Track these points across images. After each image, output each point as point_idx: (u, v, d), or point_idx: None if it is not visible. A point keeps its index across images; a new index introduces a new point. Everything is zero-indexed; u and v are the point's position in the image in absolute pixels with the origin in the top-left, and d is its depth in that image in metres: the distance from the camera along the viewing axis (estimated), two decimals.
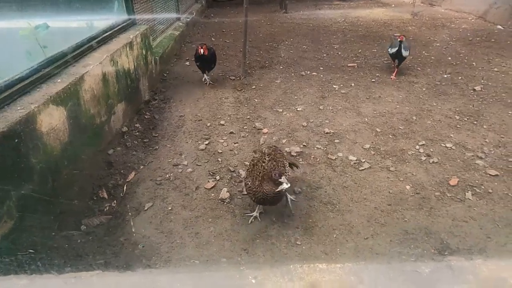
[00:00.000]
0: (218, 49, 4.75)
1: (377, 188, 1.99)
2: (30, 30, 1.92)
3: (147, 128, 2.67)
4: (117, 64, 2.47)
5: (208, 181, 2.05)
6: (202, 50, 3.13)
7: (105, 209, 1.89)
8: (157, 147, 2.43)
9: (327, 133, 2.58)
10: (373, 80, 3.59)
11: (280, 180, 1.48)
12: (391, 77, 3.50)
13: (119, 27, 2.85)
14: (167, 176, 2.11)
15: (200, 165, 2.21)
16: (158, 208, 1.85)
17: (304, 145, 2.43)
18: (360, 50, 4.60)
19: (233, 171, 2.15)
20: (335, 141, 2.48)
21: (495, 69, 3.87)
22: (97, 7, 2.92)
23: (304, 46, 4.84)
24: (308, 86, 3.46)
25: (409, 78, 3.64)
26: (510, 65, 4.00)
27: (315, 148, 2.39)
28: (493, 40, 5.01)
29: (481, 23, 6.11)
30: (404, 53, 3.27)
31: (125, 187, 2.03)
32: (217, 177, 2.08)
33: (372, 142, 2.46)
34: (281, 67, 4.01)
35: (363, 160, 2.24)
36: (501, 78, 3.62)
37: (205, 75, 3.48)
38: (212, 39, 5.28)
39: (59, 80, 1.84)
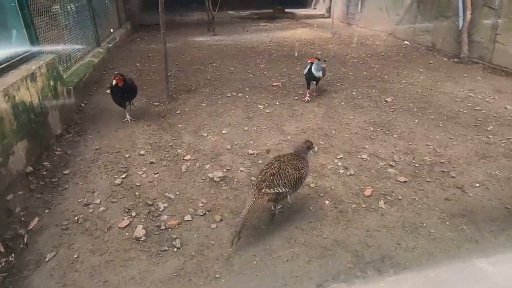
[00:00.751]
0: (143, 74, 4.62)
1: (299, 206, 2.00)
2: None
3: (57, 166, 2.43)
4: (14, 99, 2.23)
5: (123, 219, 1.90)
6: (115, 81, 2.88)
7: (0, 266, 1.64)
8: (67, 186, 2.21)
9: (251, 154, 2.58)
10: (296, 97, 3.72)
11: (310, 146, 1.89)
12: (304, 99, 3.61)
13: (19, 57, 2.61)
14: (76, 218, 1.92)
15: (115, 202, 2.05)
16: (62, 258, 1.66)
17: (227, 169, 2.39)
18: (284, 69, 4.77)
19: (152, 204, 2.02)
20: (259, 162, 2.48)
21: (403, 81, 4.25)
22: None
23: (231, 68, 4.90)
24: (234, 108, 3.47)
25: (329, 94, 3.84)
26: (416, 77, 4.43)
27: (239, 171, 2.37)
28: (401, 54, 5.54)
29: (391, 39, 6.75)
30: (316, 73, 3.41)
31: (25, 237, 1.79)
32: (133, 214, 1.94)
33: None
34: (208, 90, 3.99)
35: None
36: (408, 89, 3.98)
37: (126, 111, 3.15)
38: (137, 64, 5.11)
39: None
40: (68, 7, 4.16)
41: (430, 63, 5.03)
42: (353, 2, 8.50)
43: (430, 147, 2.66)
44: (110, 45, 5.34)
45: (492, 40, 4.77)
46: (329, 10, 9.28)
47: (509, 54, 4.50)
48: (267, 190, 1.67)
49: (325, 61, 4.16)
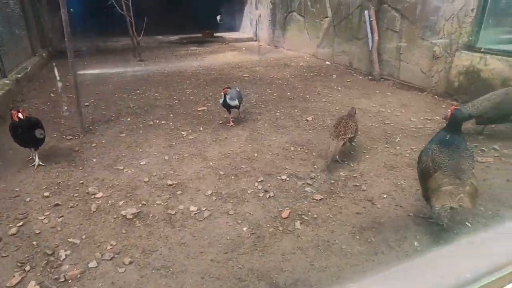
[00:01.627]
0: (58, 105, 4.29)
1: (216, 237, 1.94)
2: None
3: None
4: None
5: (14, 276, 1.67)
6: (18, 115, 2.55)
7: None
8: None
9: (170, 185, 2.48)
10: (220, 122, 3.72)
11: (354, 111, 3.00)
12: (228, 124, 3.62)
13: None
14: None
15: (7, 256, 1.80)
16: None
17: (143, 204, 2.25)
18: (211, 93, 4.77)
19: (51, 254, 1.81)
20: (177, 192, 2.38)
21: (323, 100, 4.49)
22: None
23: (156, 94, 4.77)
24: (156, 136, 3.35)
25: (254, 116, 3.90)
26: (335, 95, 4.71)
27: (155, 205, 2.25)
28: (322, 74, 5.89)
29: (314, 60, 7.17)
30: (232, 103, 3.42)
31: None
32: (27, 267, 1.72)
33: (215, 187, 2.45)
34: (129, 119, 3.82)
35: (203, 209, 2.19)
36: (327, 107, 4.21)
37: (32, 153, 2.78)
38: (52, 95, 4.74)
39: None
40: None
41: (347, 81, 5.41)
42: (278, 26, 8.93)
43: (345, 162, 2.80)
44: (19, 76, 4.89)
45: (397, 58, 5.29)
46: (256, 33, 9.62)
47: (412, 71, 5.03)
48: (342, 136, 2.64)
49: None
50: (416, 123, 3.63)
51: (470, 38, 4.25)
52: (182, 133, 3.42)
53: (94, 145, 3.15)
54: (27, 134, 2.61)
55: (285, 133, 3.43)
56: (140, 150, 3.06)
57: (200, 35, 10.09)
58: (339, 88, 5.02)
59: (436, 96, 4.57)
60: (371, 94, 4.67)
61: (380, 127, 3.55)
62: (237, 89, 3.73)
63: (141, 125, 3.63)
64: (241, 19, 11.26)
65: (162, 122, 3.73)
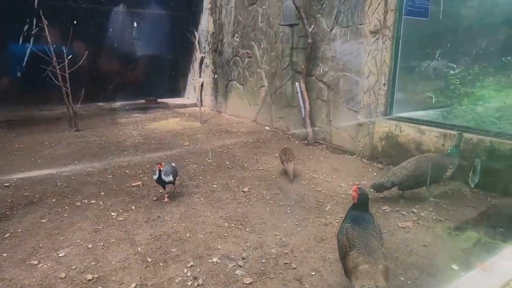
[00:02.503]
0: None
1: None
2: None
3: None
4: None
5: None
6: None
7: None
8: None
9: (89, 280, 2.28)
10: (155, 198, 3.62)
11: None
12: (163, 200, 3.55)
13: None
14: None
15: None
16: None
17: None
18: (148, 166, 4.68)
19: None
20: None
21: (261, 168, 4.63)
22: None
23: (89, 169, 4.57)
24: (82, 220, 3.14)
25: (190, 189, 3.87)
26: (272, 162, 4.88)
27: None
28: (261, 140, 6.13)
29: (254, 125, 7.49)
30: (166, 178, 3.40)
31: None
32: None
33: (141, 278, 2.31)
34: (54, 200, 3.57)
35: None
36: (264, 175, 4.32)
37: None
38: None
39: None
40: None
41: (284, 146, 5.66)
42: (220, 92, 9.33)
43: (278, 237, 2.83)
44: None
45: (328, 124, 5.73)
46: (200, 99, 9.92)
47: (341, 136, 5.45)
48: (292, 159, 3.97)
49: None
50: (345, 189, 3.84)
51: (386, 108, 4.79)
52: (112, 213, 3.26)
53: (7, 235, 2.85)
54: None
55: (221, 207, 3.42)
56: (62, 238, 2.83)
57: (144, 101, 10.13)
58: (276, 155, 5.21)
59: (364, 160, 4.94)
60: (306, 160, 4.92)
61: (312, 195, 3.70)
62: (172, 164, 3.73)
63: (67, 207, 3.40)
64: (185, 85, 11.62)
65: (92, 201, 3.53)
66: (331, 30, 5.42)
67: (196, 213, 3.29)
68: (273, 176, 4.27)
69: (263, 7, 7.04)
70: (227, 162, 4.86)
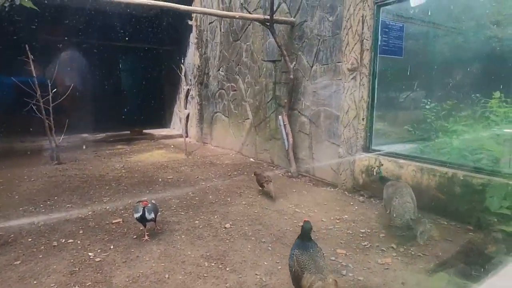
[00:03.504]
0: None
1: None
2: None
3: None
4: None
5: None
6: None
7: None
8: None
9: None
10: (135, 237, 3.56)
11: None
12: (143, 238, 3.49)
13: None
14: None
15: None
16: None
17: None
18: (130, 201, 4.62)
19: None
20: None
21: (244, 202, 4.63)
22: None
23: (69, 205, 4.48)
24: (58, 261, 3.05)
25: (171, 226, 3.82)
26: (255, 195, 4.90)
27: None
28: (245, 173, 6.16)
29: (239, 157, 7.53)
30: (149, 216, 3.36)
31: None
32: None
33: None
34: (30, 240, 3.47)
35: None
36: (247, 210, 4.32)
37: None
38: None
39: None
40: None
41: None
42: (205, 124, 9.43)
43: (258, 276, 2.80)
44: None
45: (311, 157, 5.83)
46: (185, 130, 9.98)
47: (324, 169, 5.53)
48: (270, 180, 4.67)
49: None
50: (327, 224, 3.87)
51: (365, 142, 4.93)
52: (90, 254, 3.18)
53: None
54: None
55: (202, 245, 3.38)
56: (35, 281, 2.73)
57: (129, 132, 10.12)
58: (259, 188, 5.25)
59: (346, 192, 5.00)
60: (289, 193, 4.95)
61: (294, 230, 3.71)
62: (153, 201, 3.70)
63: (42, 247, 3.31)
64: (171, 116, 11.71)
65: (69, 241, 3.45)
66: (312, 66, 5.65)
67: (176, 251, 3.24)
68: (255, 211, 4.27)
69: (247, 43, 7.31)
70: (211, 197, 4.85)
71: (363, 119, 4.86)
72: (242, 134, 7.74)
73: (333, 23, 5.18)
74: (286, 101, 6.11)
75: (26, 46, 6.26)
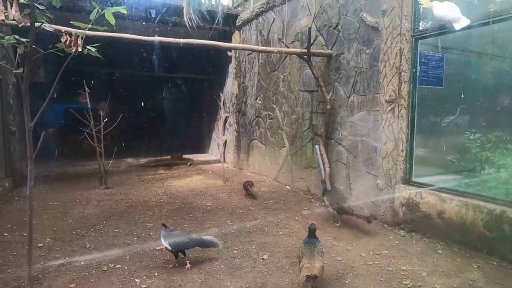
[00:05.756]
0: (9, 248, 4.15)
1: None
2: None
3: None
4: None
5: None
6: None
7: None
8: None
9: None
10: (177, 264, 3.72)
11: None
12: (185, 267, 3.63)
13: None
14: None
15: None
16: None
17: None
18: (171, 227, 4.82)
19: None
20: None
21: (281, 233, 4.67)
22: None
23: (116, 230, 4.77)
24: (107, 285, 3.27)
25: (212, 255, 3.95)
26: (292, 226, 4.92)
27: None
28: (282, 201, 6.21)
29: (275, 184, 7.61)
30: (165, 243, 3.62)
31: None
32: None
33: None
34: (83, 263, 3.74)
35: None
36: (284, 241, 4.36)
37: None
38: (5, 233, 4.61)
39: None
40: None
41: (305, 209, 5.72)
42: (242, 150, 9.66)
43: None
44: None
45: (348, 187, 5.79)
46: (223, 156, 10.27)
47: (362, 200, 5.46)
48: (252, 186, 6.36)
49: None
50: (366, 259, 3.80)
51: (405, 174, 4.84)
52: (136, 280, 3.37)
53: None
54: None
55: (241, 276, 3.46)
56: None
57: (169, 157, 10.58)
58: (297, 218, 5.28)
59: (385, 225, 4.89)
60: (326, 225, 4.93)
61: (332, 265, 3.69)
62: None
63: (94, 271, 3.55)
64: (209, 142, 12.11)
65: (117, 266, 3.67)
66: (349, 97, 5.71)
67: (216, 282, 3.34)
68: (293, 243, 4.29)
69: (284, 73, 7.54)
70: (247, 226, 4.94)
71: (402, 150, 4.80)
72: (278, 161, 7.85)
73: (370, 56, 5.26)
74: (322, 130, 6.18)
75: (84, 81, 6.89)
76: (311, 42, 5.98)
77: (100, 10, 2.89)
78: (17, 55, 2.96)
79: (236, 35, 9.57)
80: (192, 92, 13.49)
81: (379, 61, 5.06)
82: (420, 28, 4.64)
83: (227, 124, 10.32)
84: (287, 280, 3.37)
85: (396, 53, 4.78)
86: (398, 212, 4.85)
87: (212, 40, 6.15)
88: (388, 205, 4.97)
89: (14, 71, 2.84)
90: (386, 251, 4.00)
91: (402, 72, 4.74)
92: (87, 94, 7.01)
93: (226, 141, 10.34)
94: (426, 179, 4.77)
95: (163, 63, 10.66)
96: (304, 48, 6.00)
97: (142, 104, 13.44)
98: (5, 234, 4.61)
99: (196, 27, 7.47)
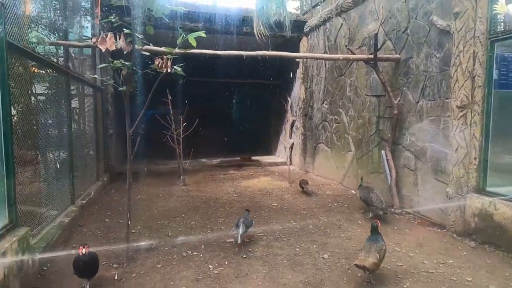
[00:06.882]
0: (109, 231, 5.01)
1: None
2: None
3: None
4: None
5: None
6: (83, 250, 3.20)
7: None
8: None
9: None
10: (244, 256, 4.15)
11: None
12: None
13: None
14: None
15: None
16: None
17: None
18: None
19: None
20: None
21: (342, 235, 4.83)
22: None
23: (192, 222, 5.41)
24: (186, 268, 3.83)
25: (275, 251, 4.30)
26: (354, 229, 5.04)
27: None
28: (346, 205, 6.32)
29: (341, 188, 7.70)
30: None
31: None
32: None
33: None
34: (166, 249, 4.38)
35: None
36: (345, 244, 4.52)
37: (85, 283, 3.31)
38: (106, 220, 5.56)
39: None
40: (50, 183, 4.83)
41: (369, 214, 5.75)
42: (308, 153, 9.88)
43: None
44: (84, 202, 5.88)
45: (416, 194, 5.67)
46: (289, 158, 10.60)
47: (429, 207, 5.33)
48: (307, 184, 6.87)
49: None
50: (428, 267, 3.80)
51: (478, 182, 4.63)
52: (209, 266, 3.88)
53: (134, 275, 3.67)
54: (86, 267, 3.24)
55: (301, 271, 3.75)
56: (172, 283, 3.51)
57: (239, 158, 11.25)
58: (360, 222, 5.37)
59: (454, 235, 4.74)
60: (389, 231, 4.94)
61: (392, 269, 3.76)
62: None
63: (175, 256, 4.16)
64: (276, 144, 12.54)
65: (194, 253, 4.24)
66: (417, 102, 5.60)
67: (278, 274, 3.69)
68: (354, 246, 4.44)
69: (351, 78, 7.58)
70: (310, 226, 5.19)
71: (475, 158, 4.60)
72: (344, 165, 7.91)
73: (441, 60, 5.12)
74: (389, 135, 6.13)
75: (167, 89, 7.81)
76: (379, 47, 5.98)
77: (184, 35, 3.45)
78: (121, 75, 3.65)
79: (304, 41, 9.83)
80: (261, 96, 14.08)
81: (450, 65, 4.90)
82: (497, 30, 4.41)
83: (294, 128, 10.62)
84: (345, 279, 3.57)
85: (469, 56, 4.60)
86: (469, 222, 4.65)
87: (280, 46, 6.51)
88: (459, 215, 4.79)
89: (120, 88, 3.54)
90: (451, 261, 3.93)
91: (476, 77, 4.55)
92: (169, 101, 7.93)
93: (292, 144, 10.65)
94: (501, 189, 4.50)
95: (235, 70, 11.36)
96: (371, 54, 6.04)
97: (215, 109, 14.45)
98: (106, 220, 5.56)
99: (265, 37, 7.92)
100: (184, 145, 8.37)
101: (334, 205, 6.35)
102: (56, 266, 3.91)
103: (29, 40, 4.46)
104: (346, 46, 7.51)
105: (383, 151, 6.31)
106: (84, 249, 3.25)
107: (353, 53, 6.59)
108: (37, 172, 4.61)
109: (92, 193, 6.55)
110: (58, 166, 5.16)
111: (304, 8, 10.59)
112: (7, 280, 2.90)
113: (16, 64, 3.90)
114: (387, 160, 6.12)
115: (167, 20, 3.94)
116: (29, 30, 4.53)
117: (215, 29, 8.96)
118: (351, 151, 7.65)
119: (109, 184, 8.14)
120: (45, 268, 3.82)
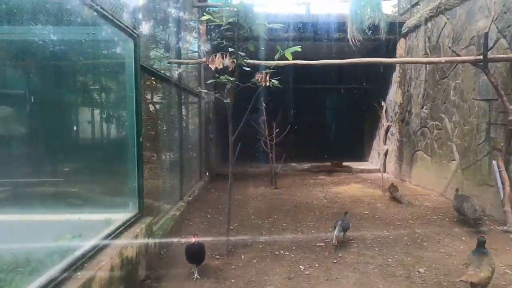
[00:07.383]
0: (211, 226, 5.64)
1: None
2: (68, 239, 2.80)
3: None
4: (123, 255, 3.26)
5: None
6: (193, 239, 3.80)
7: None
8: None
9: None
10: (334, 261, 4.25)
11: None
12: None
13: (129, 223, 3.79)
14: None
15: None
16: None
17: None
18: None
19: None
20: None
21: (441, 250, 4.53)
22: (115, 206, 3.96)
23: (284, 224, 5.71)
24: (279, 266, 4.12)
25: (366, 259, 4.29)
26: (456, 246, 4.68)
27: None
28: (447, 219, 5.85)
29: (441, 200, 7.12)
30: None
31: None
32: None
33: None
34: (261, 246, 4.76)
35: None
36: (444, 260, 4.25)
37: (194, 269, 3.81)
38: (208, 216, 6.24)
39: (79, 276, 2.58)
40: (167, 179, 5.69)
41: (475, 230, 5.23)
42: (404, 161, 9.33)
43: None
44: (190, 198, 6.70)
45: None
46: (383, 166, 10.16)
47: None
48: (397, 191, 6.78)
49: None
50: None
51: None
52: (300, 267, 4.09)
53: (233, 267, 4.12)
54: (195, 255, 3.79)
55: (393, 282, 3.69)
56: (266, 277, 3.84)
57: (329, 164, 11.21)
58: (463, 238, 4.94)
59: None
60: (500, 251, 4.45)
61: None
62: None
63: (269, 253, 4.50)
64: (369, 150, 12.11)
65: (286, 253, 4.51)
66: None
67: (369, 282, 3.70)
68: (455, 263, 4.14)
69: (456, 81, 6.98)
70: (405, 238, 4.99)
71: None
72: (446, 175, 7.28)
73: None
74: (503, 144, 5.49)
75: (261, 98, 8.32)
76: (490, 46, 5.43)
77: (281, 51, 3.76)
78: (225, 89, 4.15)
79: (401, 42, 9.35)
80: (353, 101, 13.77)
81: None
82: None
83: (388, 134, 10.15)
84: None
85: None
86: None
87: (374, 50, 6.37)
88: None
89: (225, 101, 4.03)
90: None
91: None
92: (263, 108, 8.44)
93: (387, 151, 10.18)
94: None
95: (328, 75, 11.42)
96: (479, 54, 5.51)
97: (306, 114, 14.64)
98: (208, 216, 6.25)
99: (359, 42, 7.82)
100: (276, 150, 8.77)
101: (434, 217, 5.94)
102: (170, 251, 4.62)
103: (150, 58, 5.37)
104: (449, 47, 6.94)
105: (494, 162, 5.66)
106: (194, 238, 3.80)
107: (458, 55, 6.08)
108: (155, 171, 5.49)
109: (196, 191, 7.40)
110: (171, 166, 6.03)
111: (402, 7, 10.07)
112: (137, 258, 3.59)
113: (142, 81, 4.76)
114: (500, 171, 5.48)
115: (266, 38, 4.30)
116: (151, 50, 5.46)
117: (307, 37, 9.19)
118: (454, 160, 7.01)
119: (209, 183, 9.02)
120: (162, 252, 4.55)
